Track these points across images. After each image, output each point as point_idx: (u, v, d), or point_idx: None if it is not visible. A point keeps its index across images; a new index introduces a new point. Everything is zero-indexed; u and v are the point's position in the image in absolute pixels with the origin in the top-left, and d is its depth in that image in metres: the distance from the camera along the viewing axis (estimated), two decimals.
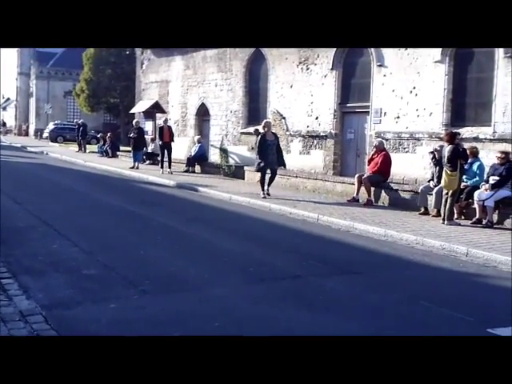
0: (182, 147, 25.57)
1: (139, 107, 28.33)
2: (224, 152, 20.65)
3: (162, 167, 21.38)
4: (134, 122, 24.48)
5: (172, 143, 21.99)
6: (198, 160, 21.90)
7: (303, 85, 19.55)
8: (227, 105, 23.23)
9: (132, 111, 29.71)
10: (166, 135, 21.71)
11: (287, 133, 20.32)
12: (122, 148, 30.04)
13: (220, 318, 5.80)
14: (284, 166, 15.55)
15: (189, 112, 25.70)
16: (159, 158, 22.01)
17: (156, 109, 26.98)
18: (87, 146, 33.38)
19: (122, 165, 23.39)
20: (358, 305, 6.46)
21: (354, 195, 14.03)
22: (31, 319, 5.50)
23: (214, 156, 22.93)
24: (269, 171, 14.85)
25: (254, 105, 22.32)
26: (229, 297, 6.63)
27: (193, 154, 22.15)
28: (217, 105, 23.81)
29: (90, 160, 25.73)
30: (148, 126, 27.29)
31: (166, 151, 21.58)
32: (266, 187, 14.63)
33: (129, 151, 24.95)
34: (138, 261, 8.11)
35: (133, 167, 22.23)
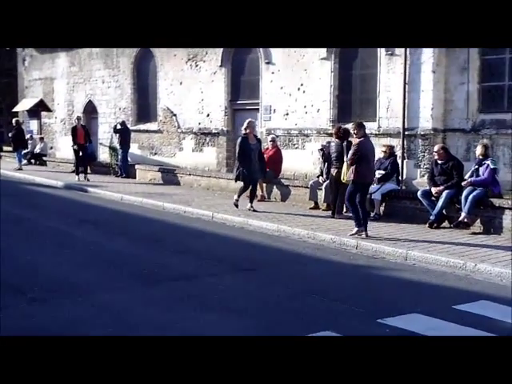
0: (70, 146, 24.75)
1: (23, 105, 27.18)
2: (114, 150, 20.15)
3: (77, 174, 18.27)
4: (13, 121, 23.26)
5: (87, 145, 19.12)
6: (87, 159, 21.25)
7: (193, 82, 19.49)
8: (116, 102, 22.75)
9: (15, 110, 28.41)
10: (79, 136, 18.51)
11: (179, 130, 20.20)
12: (5, 148, 28.64)
13: (114, 324, 5.66)
14: (264, 177, 13.58)
15: (76, 110, 24.90)
16: (74, 163, 19.11)
17: (41, 107, 26.01)
18: None
19: (5, 166, 22.28)
20: (252, 302, 6.51)
21: (261, 193, 14.04)
22: None
23: (104, 155, 22.37)
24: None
25: (144, 102, 22.00)
26: (122, 301, 6.48)
27: (81, 153, 21.43)
28: (105, 102, 23.27)
29: None
30: (33, 125, 26.25)
31: (80, 154, 18.62)
32: (238, 201, 12.48)
33: (12, 151, 23.82)
34: (25, 267, 7.76)
35: (18, 168, 21.25)
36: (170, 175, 17.66)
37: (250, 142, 12.53)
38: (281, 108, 17.02)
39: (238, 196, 12.46)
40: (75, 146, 18.50)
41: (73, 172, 20.56)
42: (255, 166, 12.51)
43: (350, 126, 13.75)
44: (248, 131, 12.64)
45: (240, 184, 12.68)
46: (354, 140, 10.18)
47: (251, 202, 12.38)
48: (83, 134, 18.59)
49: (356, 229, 9.75)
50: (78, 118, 19.21)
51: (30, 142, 24.46)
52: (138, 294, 6.72)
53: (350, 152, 10.08)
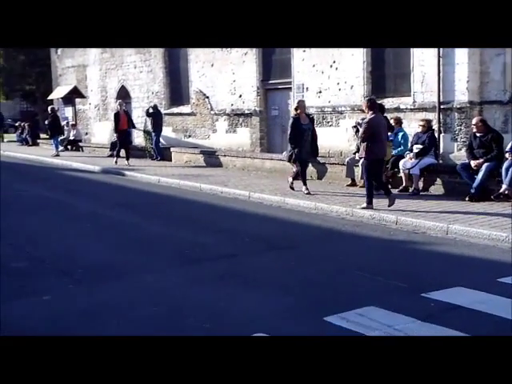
0: (105, 131, 25.04)
1: (57, 93, 27.50)
2: (148, 134, 20.28)
3: (117, 157, 18.01)
4: (49, 109, 23.55)
5: (132, 130, 19.14)
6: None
7: (224, 63, 19.43)
8: (148, 86, 22.84)
9: (50, 97, 28.77)
10: (122, 122, 18.18)
11: (212, 112, 20.20)
12: (42, 136, 29.07)
13: (157, 303, 5.72)
14: (316, 157, 13.00)
15: (109, 96, 25.12)
16: (116, 148, 18.53)
17: (75, 94, 26.28)
18: (5, 135, 32.14)
19: (43, 152, 22.66)
20: (294, 279, 6.51)
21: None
22: None
23: (138, 139, 22.51)
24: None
25: (176, 85, 22.04)
26: (164, 281, 6.55)
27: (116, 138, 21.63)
28: (137, 87, 23.38)
29: (10, 149, 24.79)
30: (68, 112, 26.55)
31: (124, 140, 18.33)
32: (293, 183, 12.04)
33: (49, 139, 24.17)
34: (68, 250, 7.90)
35: (56, 155, 21.54)
36: (205, 157, 17.73)
37: (301, 123, 11.84)
38: (313, 86, 16.87)
39: (293, 178, 11.97)
40: (116, 134, 18.46)
41: (110, 156, 20.84)
42: (308, 146, 11.92)
43: (384, 102, 13.66)
44: (299, 111, 11.96)
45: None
46: (367, 116, 10.24)
47: (305, 184, 11.78)
48: (126, 120, 18.43)
49: (365, 204, 10.01)
50: (121, 104, 18.91)
51: (65, 128, 24.80)
52: (179, 274, 6.78)
53: (361, 129, 10.19)
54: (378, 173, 10.32)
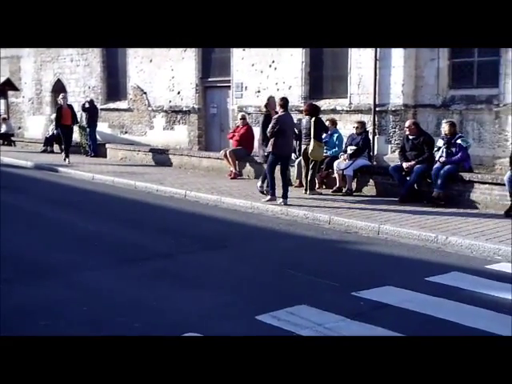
0: (39, 126, 24.42)
1: None
2: (83, 130, 19.90)
3: (67, 156, 17.02)
4: None
5: (74, 126, 18.16)
6: (56, 139, 20.96)
7: (163, 59, 19.26)
8: (85, 80, 22.43)
9: None
10: (66, 117, 17.37)
11: (149, 108, 20.01)
12: None
13: (89, 302, 5.63)
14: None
15: (44, 89, 24.52)
16: (62, 145, 17.83)
17: (7, 86, 25.52)
18: None
19: None
20: (228, 278, 6.53)
21: (233, 170, 14.00)
22: None
23: (73, 134, 22.05)
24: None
25: (113, 80, 21.71)
26: (98, 280, 6.45)
27: (50, 133, 21.15)
28: (74, 81, 22.92)
29: None
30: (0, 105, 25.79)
31: (66, 136, 17.45)
32: (262, 185, 11.39)
33: None
34: None
35: None
36: (140, 154, 17.55)
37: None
38: (252, 85, 16.93)
39: (262, 181, 11.45)
40: (56, 130, 17.80)
41: (44, 152, 20.35)
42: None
43: (321, 103, 13.85)
44: (270, 108, 11.59)
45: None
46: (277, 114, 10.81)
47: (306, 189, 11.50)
48: (70, 115, 17.58)
49: (269, 197, 10.62)
50: (64, 98, 17.99)
51: (2, 123, 24.04)
52: (112, 273, 6.70)
53: (270, 125, 10.70)
54: (284, 169, 10.91)
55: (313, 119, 11.52)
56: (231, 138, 15.01)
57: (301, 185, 12.18)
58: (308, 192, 11.48)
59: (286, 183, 10.71)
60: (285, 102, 10.93)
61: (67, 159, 16.92)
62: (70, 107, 17.97)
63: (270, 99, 11.87)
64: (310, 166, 11.51)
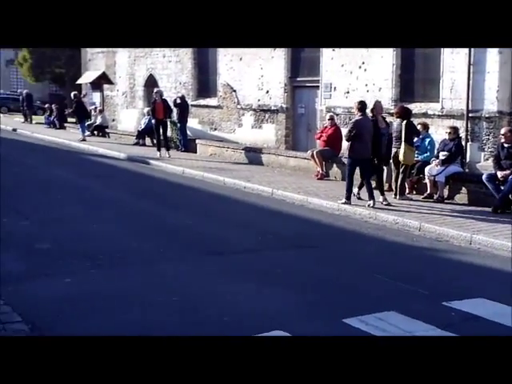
0: (131, 119, 25.18)
1: (86, 78, 27.67)
2: (174, 125, 20.34)
3: (158, 150, 17.39)
4: (72, 95, 23.62)
5: (168, 120, 18.25)
6: (149, 132, 21.57)
7: (253, 57, 19.39)
8: (176, 76, 22.91)
9: (78, 82, 28.99)
10: (159, 111, 17.52)
11: (238, 106, 20.21)
12: (69, 120, 29.33)
13: (177, 293, 5.78)
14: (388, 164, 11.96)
15: (137, 83, 25.24)
16: (150, 137, 18.36)
17: (103, 80, 26.42)
18: (33, 116, 32.45)
19: (70, 136, 22.85)
20: (313, 278, 6.53)
21: (320, 171, 13.99)
22: None
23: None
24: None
25: (204, 77, 22.06)
26: (185, 271, 6.61)
27: (143, 126, 21.77)
28: (165, 76, 23.46)
29: (37, 131, 25.05)
30: (96, 98, 26.72)
31: (161, 130, 17.70)
32: (358, 191, 11.14)
33: (76, 123, 24.38)
34: (91, 235, 7.99)
35: (82, 139, 21.70)
36: (229, 151, 17.78)
37: (379, 126, 11.01)
38: (341, 86, 16.81)
39: (359, 188, 11.14)
40: (150, 123, 17.91)
41: (136, 144, 20.97)
42: (384, 152, 11.15)
43: (412, 107, 13.57)
44: (376, 112, 11.19)
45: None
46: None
47: (382, 193, 10.91)
48: (162, 109, 17.54)
49: (344, 200, 10.56)
50: (158, 92, 18.09)
51: (93, 114, 24.99)
52: (201, 266, 6.83)
53: (346, 129, 10.79)
54: (365, 173, 10.80)
55: (404, 122, 11.29)
56: (319, 138, 14.97)
57: (390, 189, 11.98)
58: (398, 197, 11.29)
59: (369, 186, 10.62)
60: (362, 105, 10.90)
61: (159, 153, 17.29)
62: (164, 102, 18.13)
63: (377, 104, 11.52)
64: (401, 170, 11.30)
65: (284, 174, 14.33)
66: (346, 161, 11.51)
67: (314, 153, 14.19)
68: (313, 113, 17.87)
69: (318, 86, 17.43)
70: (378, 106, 11.43)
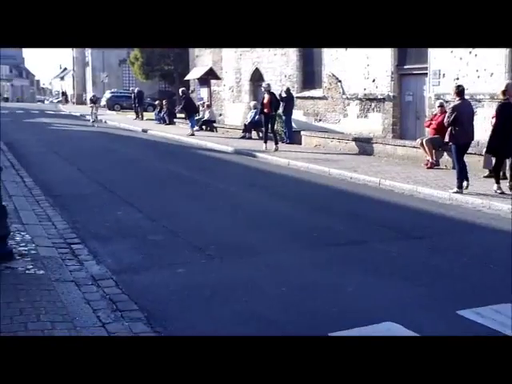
0: (238, 113, 25.57)
1: (194, 74, 28.38)
2: (279, 117, 20.46)
3: (265, 142, 17.59)
4: (180, 91, 24.28)
5: (277, 113, 18.36)
6: (255, 126, 21.83)
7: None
8: (281, 69, 23.01)
9: (187, 78, 29.79)
10: (266, 104, 17.63)
11: (343, 96, 20.02)
12: (178, 115, 30.22)
13: (287, 284, 5.81)
14: None
15: (243, 77, 25.59)
16: (263, 130, 18.25)
17: (210, 75, 26.98)
18: (144, 113, 33.69)
19: (179, 131, 23.55)
20: (425, 269, 6.36)
21: (430, 159, 13.65)
22: (103, 283, 5.65)
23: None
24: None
25: (309, 68, 22.04)
26: (293, 262, 6.62)
27: (249, 119, 22.07)
28: (271, 70, 23.61)
29: (148, 127, 25.99)
30: (203, 93, 27.35)
31: (265, 123, 17.86)
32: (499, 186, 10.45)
33: (185, 118, 25.08)
34: (201, 226, 8.19)
35: (191, 134, 22.31)
36: (334, 141, 17.67)
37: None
38: (451, 72, 16.22)
39: (497, 181, 10.48)
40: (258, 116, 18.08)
41: (243, 138, 21.30)
42: None
43: None
44: (508, 95, 10.41)
45: None
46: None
47: (497, 182, 10.44)
48: (269, 103, 17.55)
49: (456, 189, 10.35)
50: (266, 87, 18.20)
51: (201, 109, 25.59)
52: (307, 256, 6.84)
53: (446, 115, 10.76)
54: (459, 157, 10.70)
55: None
56: (428, 126, 14.58)
57: (504, 177, 11.44)
58: None
59: (462, 170, 10.58)
60: (461, 90, 10.88)
61: (265, 145, 17.46)
62: (272, 95, 18.15)
63: (509, 86, 10.68)
64: None
65: (392, 164, 14.06)
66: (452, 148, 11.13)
67: (424, 141, 13.83)
68: (421, 100, 17.39)
69: (426, 74, 16.94)
70: (510, 88, 10.51)
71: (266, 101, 17.72)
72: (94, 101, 30.78)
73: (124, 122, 29.93)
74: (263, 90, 18.39)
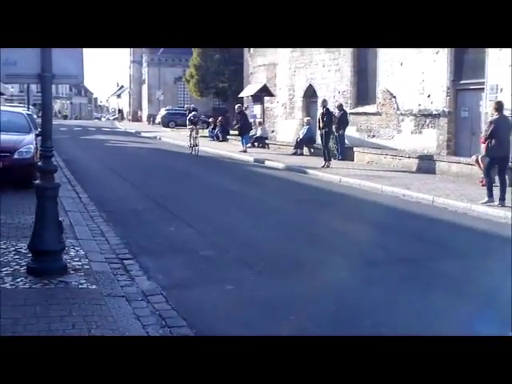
0: (290, 129, 25.62)
1: (248, 91, 28.61)
2: (332, 134, 20.42)
3: (324, 159, 17.50)
4: (236, 108, 24.48)
5: (333, 129, 18.60)
6: (306, 142, 21.84)
7: (414, 62, 18.96)
8: (335, 85, 22.97)
9: (241, 95, 30.06)
10: (320, 120, 18.23)
11: (398, 112, 19.83)
12: (231, 132, 30.51)
13: (337, 303, 5.76)
14: None
15: (296, 94, 25.65)
16: (314, 147, 18.82)
17: (264, 92, 27.15)
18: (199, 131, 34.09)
19: (232, 148, 23.76)
20: (477, 289, 6.23)
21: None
22: (153, 299, 5.71)
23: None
24: None
25: (363, 84, 21.94)
26: (343, 280, 6.56)
27: (301, 136, 22.11)
28: (324, 86, 23.60)
29: (202, 144, 26.27)
30: (256, 110, 27.54)
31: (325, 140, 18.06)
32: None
33: (238, 135, 25.31)
34: (251, 242, 8.22)
35: (242, 150, 22.47)
36: (388, 158, 17.49)
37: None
38: (508, 87, 15.88)
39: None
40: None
41: (294, 154, 21.31)
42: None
43: None
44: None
45: None
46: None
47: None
48: (323, 118, 17.96)
49: (487, 198, 10.77)
50: (323, 103, 18.61)
51: (253, 126, 25.77)
52: (359, 274, 6.77)
53: (484, 129, 11.39)
54: (501, 170, 11.24)
55: None
56: (484, 142, 14.26)
57: None
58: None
59: (503, 185, 10.94)
60: (499, 105, 11.27)
61: (325, 162, 17.27)
62: (326, 110, 18.34)
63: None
64: None
65: (445, 181, 13.82)
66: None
67: (479, 158, 13.53)
68: (477, 116, 17.06)
69: (483, 88, 16.63)
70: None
71: (322, 117, 17.85)
72: (195, 122, 22.82)
73: (178, 138, 30.35)
74: (320, 106, 18.40)
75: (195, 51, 43.57)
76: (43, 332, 4.54)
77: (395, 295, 6.03)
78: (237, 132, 25.96)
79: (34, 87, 30.20)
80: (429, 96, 18.54)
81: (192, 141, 21.91)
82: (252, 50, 29.25)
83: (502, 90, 16.08)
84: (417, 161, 16.49)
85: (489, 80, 16.44)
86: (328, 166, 16.93)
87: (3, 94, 33.34)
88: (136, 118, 65.65)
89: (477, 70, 16.92)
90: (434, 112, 18.30)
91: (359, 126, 21.66)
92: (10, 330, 4.53)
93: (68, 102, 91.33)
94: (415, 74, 18.92)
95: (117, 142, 29.45)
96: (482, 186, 12.99)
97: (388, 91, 20.19)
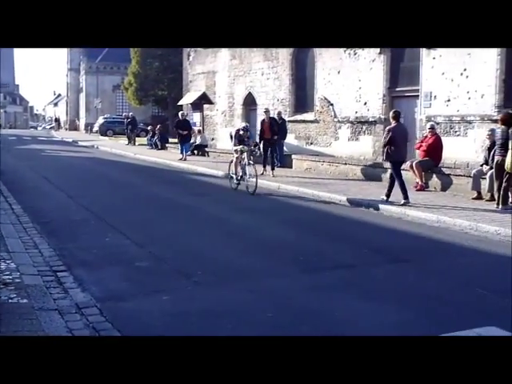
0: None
1: (187, 99, 28.52)
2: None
3: (264, 167, 17.03)
4: (179, 115, 24.37)
5: (276, 138, 17.84)
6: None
7: (351, 70, 19.31)
8: (274, 93, 23.16)
9: (180, 103, 29.93)
10: (265, 130, 17.45)
11: (335, 119, 20.14)
12: (170, 140, 30.30)
13: (273, 309, 5.77)
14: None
15: (236, 102, 25.73)
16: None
17: (203, 100, 27.12)
18: (136, 138, 33.78)
19: (171, 156, 23.60)
20: (413, 293, 6.34)
21: (420, 182, 13.71)
22: (87, 311, 5.59)
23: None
24: None
25: (301, 92, 22.20)
26: (282, 287, 6.58)
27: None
28: (263, 94, 23.77)
29: (140, 152, 26.04)
30: (196, 118, 27.46)
31: (265, 149, 17.44)
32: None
33: (177, 143, 25.16)
34: (189, 252, 8.16)
35: (181, 159, 22.36)
36: (324, 164, 17.71)
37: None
38: (442, 94, 16.36)
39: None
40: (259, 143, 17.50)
41: None
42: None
43: None
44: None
45: None
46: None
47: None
48: (269, 128, 17.36)
49: (403, 201, 11.40)
50: (266, 111, 18.21)
51: (198, 135, 25.66)
52: (296, 281, 6.80)
53: (383, 136, 11.86)
54: (397, 174, 11.89)
55: (511, 130, 10.83)
56: (418, 148, 14.64)
57: (492, 198, 11.51)
58: (500, 206, 10.81)
59: (403, 185, 11.64)
60: (396, 114, 11.99)
61: (263, 169, 16.98)
62: (272, 120, 18.13)
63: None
64: (504, 179, 10.82)
65: (381, 187, 14.07)
66: None
67: (413, 164, 13.88)
68: (412, 123, 17.50)
69: (418, 96, 17.08)
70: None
71: (266, 126, 17.58)
72: (243, 140, 15.19)
73: (116, 147, 29.96)
74: (264, 115, 18.20)
75: (134, 59, 43.19)
76: None
77: (331, 301, 6.07)
78: (176, 140, 25.81)
79: None
80: (365, 103, 18.91)
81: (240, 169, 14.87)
82: (191, 57, 29.18)
83: (435, 97, 16.56)
84: (353, 167, 16.73)
85: (423, 87, 16.90)
86: (270, 174, 16.88)
87: None
88: (73, 127, 64.52)
89: (412, 78, 17.37)
90: (371, 119, 18.67)
91: (298, 134, 21.88)
92: None
93: (2, 110, 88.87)
94: (352, 81, 19.27)
95: (53, 151, 28.82)
96: (417, 190, 13.34)
97: (326, 99, 20.47)
